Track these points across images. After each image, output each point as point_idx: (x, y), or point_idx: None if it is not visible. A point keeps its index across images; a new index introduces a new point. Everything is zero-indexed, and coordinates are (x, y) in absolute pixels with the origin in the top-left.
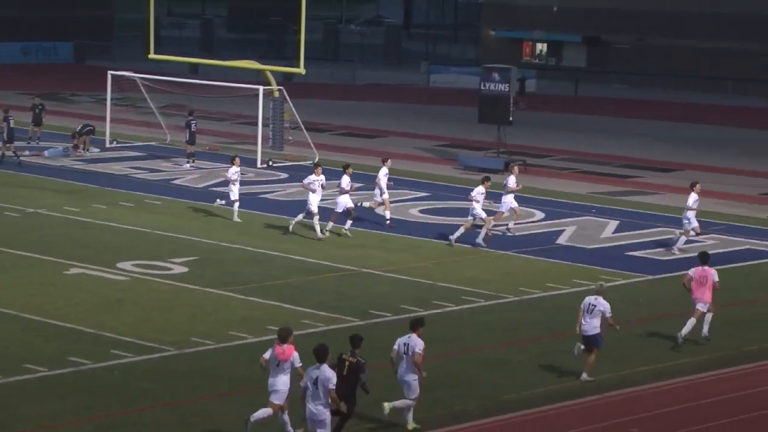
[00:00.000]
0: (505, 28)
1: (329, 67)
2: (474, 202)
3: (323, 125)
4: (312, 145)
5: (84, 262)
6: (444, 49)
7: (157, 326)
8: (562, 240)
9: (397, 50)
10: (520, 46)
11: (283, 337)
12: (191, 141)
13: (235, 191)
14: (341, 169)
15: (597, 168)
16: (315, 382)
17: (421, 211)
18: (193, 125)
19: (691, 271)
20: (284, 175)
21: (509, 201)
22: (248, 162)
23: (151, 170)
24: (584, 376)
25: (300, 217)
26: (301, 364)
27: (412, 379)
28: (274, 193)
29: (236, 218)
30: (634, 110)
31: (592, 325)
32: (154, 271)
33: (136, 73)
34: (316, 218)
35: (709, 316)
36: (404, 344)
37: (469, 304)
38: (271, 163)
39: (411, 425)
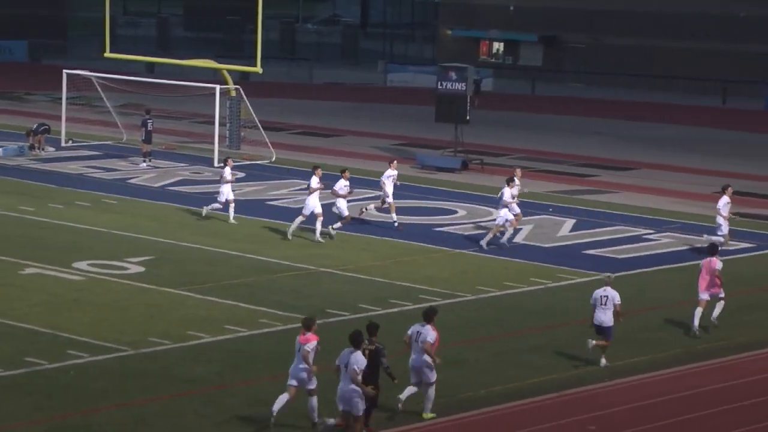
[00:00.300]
0: (462, 28)
1: (286, 66)
2: (502, 208)
3: (280, 124)
4: (269, 144)
5: (40, 262)
6: (401, 49)
7: (113, 326)
8: (519, 238)
9: (354, 49)
10: (477, 46)
11: (307, 325)
12: (148, 140)
13: (226, 192)
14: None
15: (554, 167)
16: (347, 365)
17: (378, 209)
18: (149, 124)
19: (702, 263)
20: (241, 175)
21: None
22: (205, 161)
23: (108, 169)
24: (603, 361)
25: (298, 220)
26: (310, 350)
27: (424, 365)
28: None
29: (232, 220)
30: (591, 109)
31: (608, 317)
32: (110, 271)
33: (91, 72)
34: (319, 220)
35: (721, 304)
36: (417, 332)
37: (427, 303)
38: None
39: (429, 415)
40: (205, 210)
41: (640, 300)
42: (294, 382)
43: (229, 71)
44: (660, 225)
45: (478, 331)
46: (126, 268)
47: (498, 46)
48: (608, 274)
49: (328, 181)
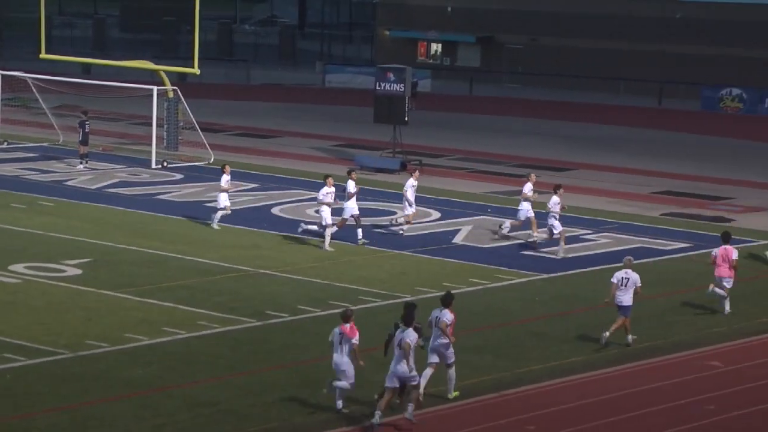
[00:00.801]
0: (400, 29)
1: (224, 67)
2: (552, 215)
3: (218, 125)
4: (207, 145)
5: None
6: (339, 49)
7: (50, 329)
8: (458, 239)
9: (292, 50)
10: (415, 47)
11: (346, 317)
12: (84, 141)
13: (223, 200)
14: (237, 171)
15: (492, 167)
16: (399, 344)
17: (317, 212)
18: (86, 126)
19: (715, 251)
20: (179, 176)
21: (526, 209)
22: (142, 163)
23: (44, 171)
24: (629, 338)
25: (313, 227)
26: (357, 343)
27: (445, 348)
28: (169, 194)
29: (215, 225)
30: (528, 110)
31: (628, 297)
32: (47, 274)
33: (27, 73)
34: (329, 230)
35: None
36: (436, 317)
37: (366, 304)
38: (165, 164)
39: (453, 394)
40: (214, 224)
41: (577, 300)
42: (345, 378)
43: (167, 72)
44: (597, 225)
45: None
46: (63, 271)
47: (436, 47)
48: (629, 257)
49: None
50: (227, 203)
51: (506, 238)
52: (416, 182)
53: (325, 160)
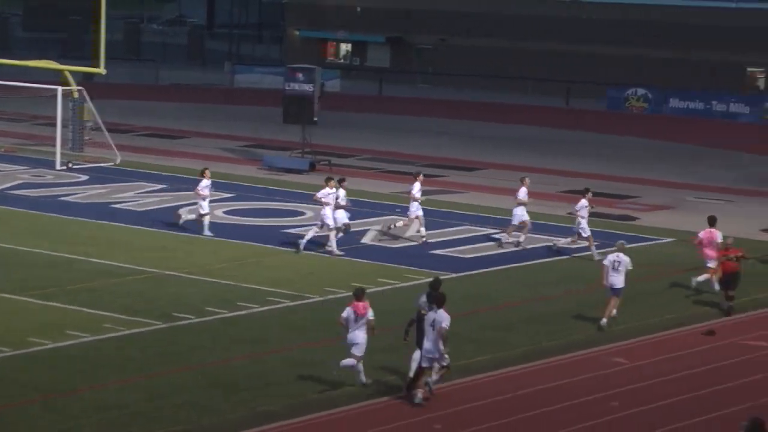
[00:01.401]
0: (310, 29)
1: (131, 67)
2: (579, 218)
3: (125, 126)
4: (113, 146)
5: None
6: (248, 50)
7: None
8: (366, 239)
9: (200, 50)
10: (325, 47)
11: (359, 295)
12: None
13: (205, 206)
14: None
15: (402, 167)
16: (432, 324)
17: (226, 212)
18: None
19: (700, 234)
20: (84, 177)
21: (521, 213)
22: (47, 164)
23: None
24: (614, 312)
25: (313, 232)
26: (373, 318)
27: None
28: (74, 196)
29: (207, 232)
30: (438, 110)
31: (620, 279)
32: None
33: None
34: (333, 233)
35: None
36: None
37: (274, 305)
38: (70, 165)
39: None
40: (205, 231)
41: (485, 299)
42: (357, 351)
43: (72, 72)
44: (506, 224)
45: (325, 332)
46: None
47: (346, 47)
48: (621, 241)
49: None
50: (207, 209)
51: (518, 244)
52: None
53: (233, 161)
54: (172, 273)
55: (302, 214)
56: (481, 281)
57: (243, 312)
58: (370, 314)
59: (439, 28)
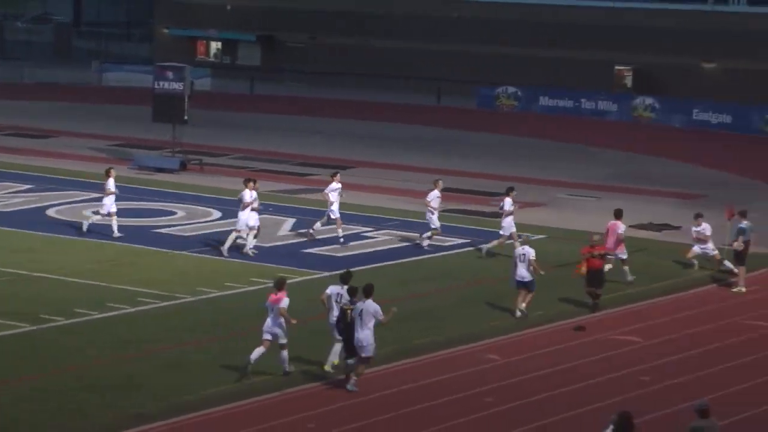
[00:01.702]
0: (179, 27)
1: None
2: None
3: None
4: None
5: None
6: (117, 48)
7: None
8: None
9: (67, 48)
10: (195, 45)
11: (280, 285)
12: None
13: (108, 204)
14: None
15: (274, 166)
16: (360, 314)
17: (95, 212)
18: None
19: (607, 225)
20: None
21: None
22: None
23: None
24: (523, 306)
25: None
26: (285, 307)
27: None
28: None
29: (117, 233)
30: (310, 109)
31: (526, 272)
32: None
33: None
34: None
35: (626, 268)
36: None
37: (146, 305)
38: None
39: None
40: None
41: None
42: (269, 336)
43: None
44: (379, 222)
45: (198, 332)
46: None
47: (216, 46)
48: (527, 234)
49: None
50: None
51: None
52: (338, 185)
53: (102, 160)
54: (40, 275)
55: (173, 213)
56: (354, 280)
57: (114, 313)
58: (284, 303)
59: (310, 27)
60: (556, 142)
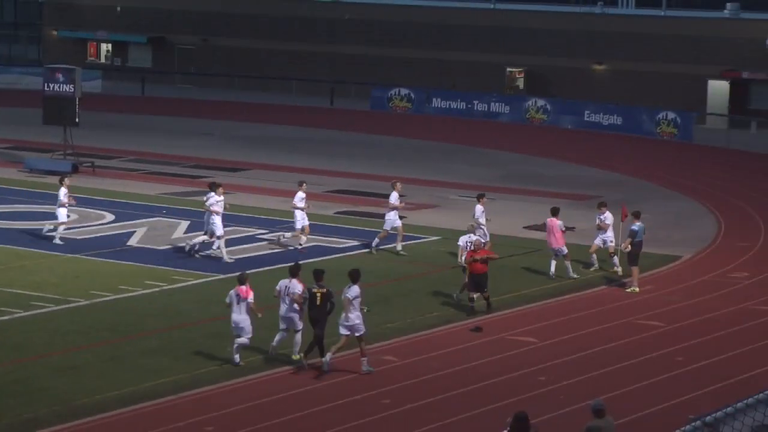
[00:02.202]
0: (69, 28)
1: None
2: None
3: None
4: None
5: None
6: (4, 49)
7: None
8: (132, 241)
9: None
10: (85, 47)
11: (242, 280)
12: None
13: (63, 215)
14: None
15: (166, 168)
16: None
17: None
18: None
19: (546, 223)
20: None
21: (392, 218)
22: None
23: None
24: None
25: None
26: (253, 301)
27: (293, 314)
28: None
29: (58, 240)
30: (202, 110)
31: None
32: None
33: None
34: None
35: (568, 262)
36: (285, 287)
37: (38, 309)
38: None
39: (297, 356)
40: (47, 230)
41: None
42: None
43: None
44: (273, 225)
45: (92, 336)
46: None
47: (107, 48)
48: (472, 223)
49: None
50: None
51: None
52: (304, 194)
53: None
54: None
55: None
56: (253, 282)
57: (6, 318)
58: (251, 298)
59: (201, 29)
60: (449, 144)
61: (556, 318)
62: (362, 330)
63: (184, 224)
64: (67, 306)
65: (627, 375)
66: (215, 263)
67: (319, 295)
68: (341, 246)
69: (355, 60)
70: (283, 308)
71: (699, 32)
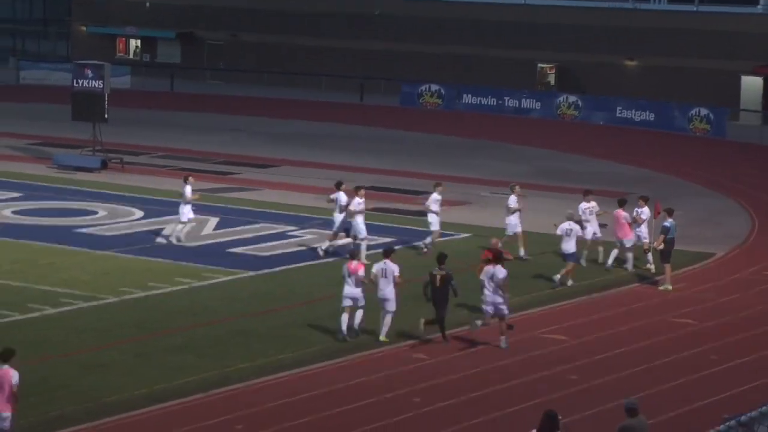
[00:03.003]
0: (97, 24)
1: None
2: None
3: None
4: None
5: None
6: (33, 45)
7: None
8: (162, 238)
9: None
10: (114, 42)
11: (354, 255)
12: None
13: (185, 213)
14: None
15: (196, 165)
16: (491, 277)
17: (14, 212)
18: None
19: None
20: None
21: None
22: None
23: None
24: (567, 281)
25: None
26: (363, 275)
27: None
28: None
29: (179, 237)
30: (231, 107)
31: (572, 245)
32: None
33: None
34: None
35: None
36: (382, 269)
37: (67, 306)
38: None
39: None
40: (180, 235)
41: (285, 297)
42: (349, 302)
43: None
44: (302, 221)
45: (121, 333)
46: None
47: (135, 43)
48: (571, 211)
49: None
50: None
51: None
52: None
53: (21, 159)
54: None
55: (95, 213)
56: (281, 279)
57: (35, 314)
58: (361, 272)
59: (230, 24)
60: (479, 140)
61: (588, 316)
62: (505, 313)
63: (214, 221)
64: (95, 303)
65: (660, 374)
66: (245, 260)
67: (439, 277)
68: (371, 243)
69: (385, 56)
70: (380, 289)
71: (732, 27)
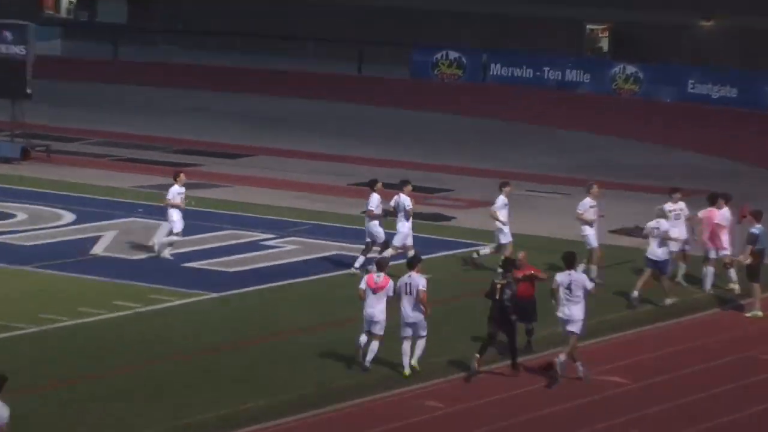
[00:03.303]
0: None
1: None
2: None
3: None
4: None
5: None
6: None
7: None
8: (98, 249)
9: None
10: None
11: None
12: None
13: (175, 220)
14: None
15: (144, 154)
16: (569, 286)
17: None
18: None
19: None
20: None
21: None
22: None
23: None
24: (667, 301)
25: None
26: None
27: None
28: None
29: (167, 254)
30: (191, 79)
31: (662, 250)
32: None
33: None
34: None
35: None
36: (406, 284)
37: None
38: None
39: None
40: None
41: (258, 326)
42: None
43: None
44: (282, 228)
45: (41, 375)
46: None
47: None
48: (660, 207)
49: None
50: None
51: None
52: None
53: None
54: None
55: (11, 216)
56: (252, 302)
57: None
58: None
59: None
60: (511, 122)
61: (653, 351)
62: (579, 328)
63: (166, 226)
64: (8, 334)
65: (744, 429)
66: (206, 276)
67: (499, 287)
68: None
69: (390, 13)
70: (405, 309)
71: None
